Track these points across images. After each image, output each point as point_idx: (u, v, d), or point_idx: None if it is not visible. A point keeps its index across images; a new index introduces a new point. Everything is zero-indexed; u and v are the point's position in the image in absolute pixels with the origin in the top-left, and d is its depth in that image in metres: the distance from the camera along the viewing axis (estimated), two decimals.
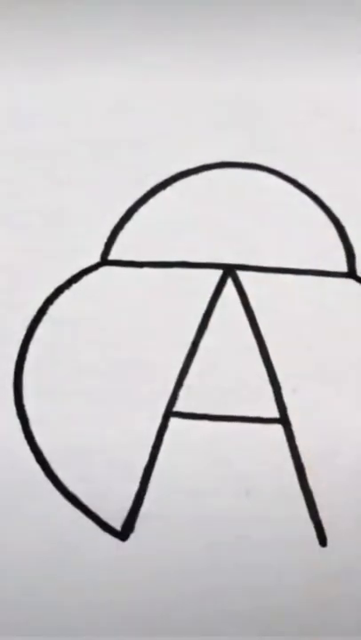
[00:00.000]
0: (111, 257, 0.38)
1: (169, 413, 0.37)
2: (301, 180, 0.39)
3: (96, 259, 0.38)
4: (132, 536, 0.36)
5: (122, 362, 0.37)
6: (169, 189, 0.38)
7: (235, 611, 0.37)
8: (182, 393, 0.37)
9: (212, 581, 0.37)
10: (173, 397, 0.37)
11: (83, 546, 0.36)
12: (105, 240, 0.38)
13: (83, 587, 0.36)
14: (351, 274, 0.38)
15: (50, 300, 0.37)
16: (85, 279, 0.37)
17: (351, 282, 0.38)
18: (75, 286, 0.37)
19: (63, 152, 0.38)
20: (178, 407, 0.37)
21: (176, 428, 0.37)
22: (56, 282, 0.37)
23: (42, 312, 0.37)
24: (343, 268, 0.38)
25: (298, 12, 0.39)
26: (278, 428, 0.37)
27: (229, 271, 0.38)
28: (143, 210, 0.38)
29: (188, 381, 0.37)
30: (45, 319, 0.37)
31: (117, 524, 0.36)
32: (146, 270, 0.38)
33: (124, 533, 0.36)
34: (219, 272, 0.38)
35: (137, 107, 0.38)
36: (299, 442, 0.37)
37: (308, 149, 0.39)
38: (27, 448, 0.36)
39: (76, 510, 0.36)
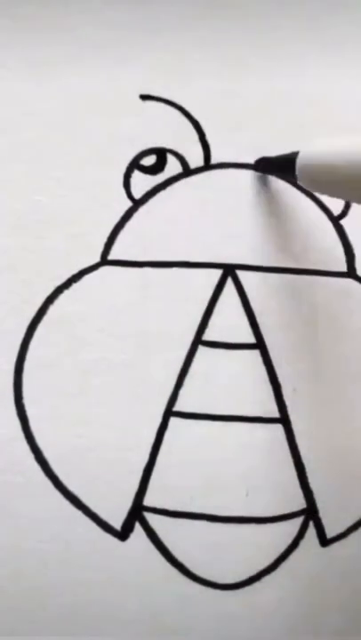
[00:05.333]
0: (111, 257, 0.38)
1: (169, 413, 0.37)
2: None
3: (96, 259, 0.38)
4: (132, 536, 0.36)
5: (122, 361, 0.37)
6: (169, 189, 0.38)
7: (232, 612, 0.37)
8: (182, 393, 0.37)
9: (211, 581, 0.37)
10: (173, 397, 0.37)
11: (83, 546, 0.36)
12: (105, 240, 0.38)
13: (82, 586, 0.36)
14: (351, 273, 0.38)
15: (50, 300, 0.37)
16: (85, 279, 0.37)
17: (351, 282, 0.38)
18: (75, 286, 0.37)
19: (63, 152, 0.38)
20: (178, 407, 0.37)
21: (176, 427, 0.37)
22: (56, 282, 0.37)
23: (42, 312, 0.37)
24: (343, 267, 0.38)
25: (299, 10, 0.39)
26: (278, 428, 0.37)
27: (229, 271, 0.38)
28: (143, 210, 0.38)
29: (187, 381, 0.37)
30: (45, 319, 0.37)
31: (117, 524, 0.36)
32: (146, 270, 0.38)
33: (124, 533, 0.36)
34: (219, 272, 0.38)
35: (137, 107, 0.38)
36: (299, 442, 0.37)
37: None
38: (27, 448, 0.36)
39: (76, 510, 0.36)
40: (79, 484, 0.36)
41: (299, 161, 0.33)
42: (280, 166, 0.36)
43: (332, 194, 0.32)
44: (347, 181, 0.29)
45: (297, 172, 0.33)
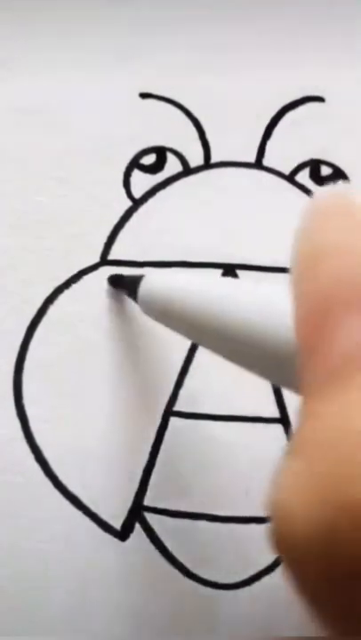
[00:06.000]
0: (111, 257, 0.38)
1: (169, 413, 0.37)
2: (301, 180, 0.39)
3: (96, 259, 0.38)
4: (132, 536, 0.36)
5: (122, 361, 0.37)
6: (169, 188, 0.38)
7: (232, 612, 0.37)
8: (182, 393, 0.37)
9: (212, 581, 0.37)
10: (173, 397, 0.37)
11: (83, 546, 0.36)
12: (105, 240, 0.38)
13: (82, 586, 0.36)
14: None
15: (50, 300, 0.37)
16: (85, 279, 0.37)
17: None
18: (75, 286, 0.37)
19: (63, 152, 0.38)
20: (178, 407, 0.37)
21: (176, 427, 0.37)
22: (56, 282, 0.37)
23: (42, 312, 0.37)
24: None
25: (299, 11, 0.39)
26: (278, 428, 0.37)
27: (229, 271, 0.38)
28: (143, 209, 0.38)
29: (188, 381, 0.37)
30: (45, 319, 0.37)
31: (117, 524, 0.36)
32: (146, 270, 0.38)
33: (124, 533, 0.36)
34: (219, 272, 0.38)
35: (137, 107, 0.38)
36: None
37: (309, 149, 0.39)
38: (27, 448, 0.36)
39: (76, 510, 0.36)
40: (79, 484, 0.36)
41: (142, 286, 0.31)
42: (127, 286, 0.35)
43: (169, 326, 0.29)
44: (178, 319, 0.27)
45: (138, 298, 0.32)
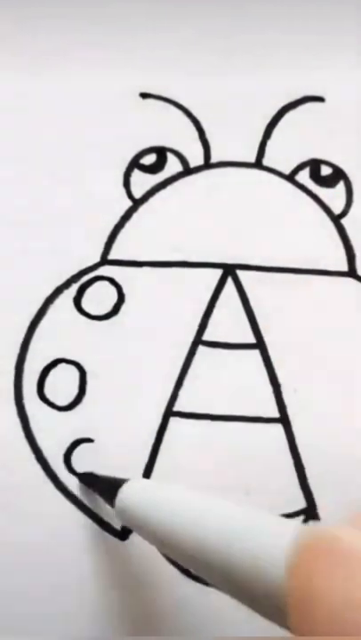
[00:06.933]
0: (111, 257, 0.38)
1: (169, 413, 0.37)
2: (301, 180, 0.39)
3: (96, 259, 0.38)
4: (132, 536, 0.36)
5: (122, 361, 0.37)
6: (169, 189, 0.38)
7: (232, 612, 0.37)
8: (182, 393, 0.37)
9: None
10: (173, 397, 0.37)
11: (82, 546, 0.36)
12: (105, 240, 0.38)
13: (83, 586, 0.36)
14: (352, 273, 0.38)
15: (50, 300, 0.37)
16: (85, 279, 0.37)
17: (351, 281, 0.38)
18: (75, 286, 0.37)
19: (63, 152, 0.38)
20: (178, 407, 0.37)
21: (176, 427, 0.37)
22: (56, 282, 0.37)
23: (42, 312, 0.37)
24: (343, 267, 0.38)
25: (300, 10, 0.39)
26: (278, 428, 0.37)
27: (229, 271, 0.38)
28: (143, 209, 0.38)
29: (187, 381, 0.37)
30: (45, 319, 0.37)
31: (117, 524, 0.36)
32: (146, 270, 0.38)
33: (124, 533, 0.36)
34: (219, 272, 0.38)
35: (137, 107, 0.38)
36: (299, 441, 0.37)
37: (309, 149, 0.39)
38: (27, 448, 0.36)
39: (77, 510, 0.36)
40: (79, 484, 0.36)
41: (120, 494, 0.30)
42: (102, 488, 0.34)
43: (145, 538, 0.29)
44: (155, 531, 0.27)
45: (116, 505, 0.30)
